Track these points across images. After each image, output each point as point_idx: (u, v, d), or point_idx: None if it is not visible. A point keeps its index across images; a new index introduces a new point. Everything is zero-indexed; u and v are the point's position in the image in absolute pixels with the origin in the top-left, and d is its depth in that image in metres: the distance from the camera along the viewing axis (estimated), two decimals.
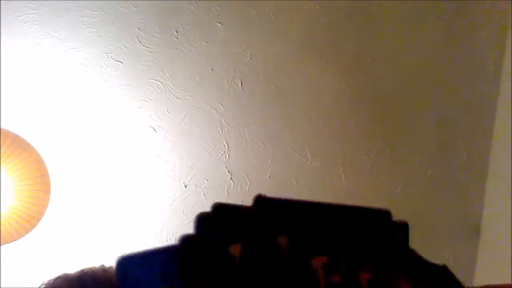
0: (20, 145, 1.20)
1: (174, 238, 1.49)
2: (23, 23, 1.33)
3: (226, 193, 1.47)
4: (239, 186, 1.47)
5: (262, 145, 1.47)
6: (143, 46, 1.38)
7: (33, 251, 1.41)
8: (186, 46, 1.40)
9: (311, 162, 1.49)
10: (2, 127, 1.26)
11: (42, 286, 0.66)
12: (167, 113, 1.42)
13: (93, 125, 1.40)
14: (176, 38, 1.40)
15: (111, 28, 1.36)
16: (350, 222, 0.36)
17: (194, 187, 1.46)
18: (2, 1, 1.31)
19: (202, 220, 0.34)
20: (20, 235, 1.20)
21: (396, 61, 1.50)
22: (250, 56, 1.43)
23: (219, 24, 1.41)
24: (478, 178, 1.56)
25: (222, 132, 1.45)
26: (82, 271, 0.67)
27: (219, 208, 0.35)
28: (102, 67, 1.38)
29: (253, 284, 0.33)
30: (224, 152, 1.46)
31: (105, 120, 1.40)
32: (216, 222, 0.34)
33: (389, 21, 1.48)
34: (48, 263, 1.42)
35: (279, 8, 1.43)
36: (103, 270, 0.67)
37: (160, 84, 1.41)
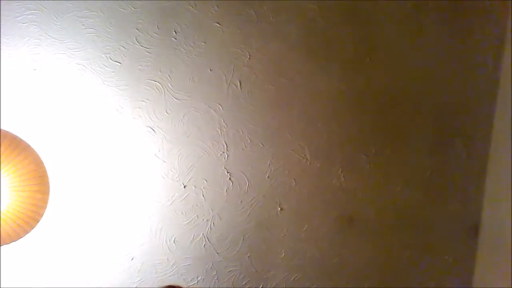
0: (19, 146, 1.20)
1: (173, 238, 1.50)
2: (22, 24, 1.33)
3: (225, 194, 1.47)
4: (238, 186, 1.47)
5: (261, 145, 1.47)
6: (141, 46, 1.38)
7: (33, 251, 1.41)
8: (185, 46, 1.40)
9: (310, 163, 1.49)
10: (0, 128, 1.26)
11: None
12: (166, 113, 1.42)
13: (92, 125, 1.40)
14: (175, 39, 1.40)
15: (109, 29, 1.36)
16: None
17: (193, 187, 1.46)
18: (1, 2, 1.31)
19: None
20: (18, 236, 1.20)
21: (395, 61, 1.50)
22: (249, 56, 1.43)
23: (218, 25, 1.41)
24: (477, 178, 1.56)
25: (221, 132, 1.45)
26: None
27: None
28: (100, 68, 1.38)
29: None
30: (223, 152, 1.46)
31: (104, 121, 1.40)
32: None
33: (389, 21, 1.48)
34: (48, 263, 1.42)
35: (277, 9, 1.43)
36: None
37: (159, 84, 1.41)
